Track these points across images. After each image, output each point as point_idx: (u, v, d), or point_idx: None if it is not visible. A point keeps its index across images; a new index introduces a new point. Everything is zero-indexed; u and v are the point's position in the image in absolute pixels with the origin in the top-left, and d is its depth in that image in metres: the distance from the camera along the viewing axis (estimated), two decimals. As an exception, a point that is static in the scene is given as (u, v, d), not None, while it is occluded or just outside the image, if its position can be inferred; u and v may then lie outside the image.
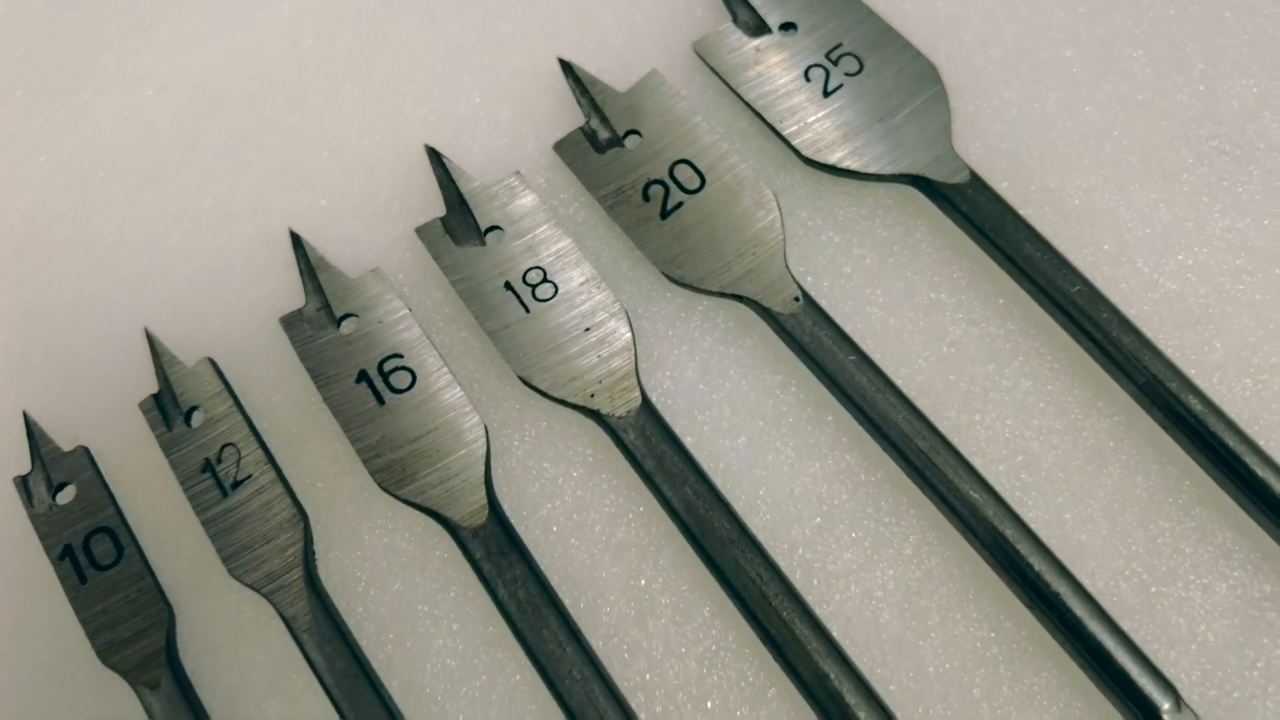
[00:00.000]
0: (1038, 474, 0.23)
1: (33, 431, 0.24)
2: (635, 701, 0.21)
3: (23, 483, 0.24)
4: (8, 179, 0.28)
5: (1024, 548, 0.22)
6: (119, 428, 0.25)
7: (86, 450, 0.24)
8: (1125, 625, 0.20)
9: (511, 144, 0.27)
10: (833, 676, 0.20)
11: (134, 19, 0.30)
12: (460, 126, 0.27)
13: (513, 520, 0.23)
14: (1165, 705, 0.20)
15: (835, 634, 0.21)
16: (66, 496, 0.24)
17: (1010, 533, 0.22)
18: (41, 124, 0.28)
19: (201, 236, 0.27)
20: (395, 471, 0.23)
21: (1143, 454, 0.23)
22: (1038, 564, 0.21)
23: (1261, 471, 0.22)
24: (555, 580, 0.22)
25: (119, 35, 0.30)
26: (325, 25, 0.29)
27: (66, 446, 0.24)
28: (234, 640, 0.23)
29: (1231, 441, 0.22)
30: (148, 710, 0.22)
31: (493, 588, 0.22)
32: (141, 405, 0.25)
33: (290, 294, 0.25)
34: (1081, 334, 0.24)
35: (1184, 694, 0.20)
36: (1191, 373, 0.23)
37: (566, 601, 0.22)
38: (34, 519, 0.23)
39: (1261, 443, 0.22)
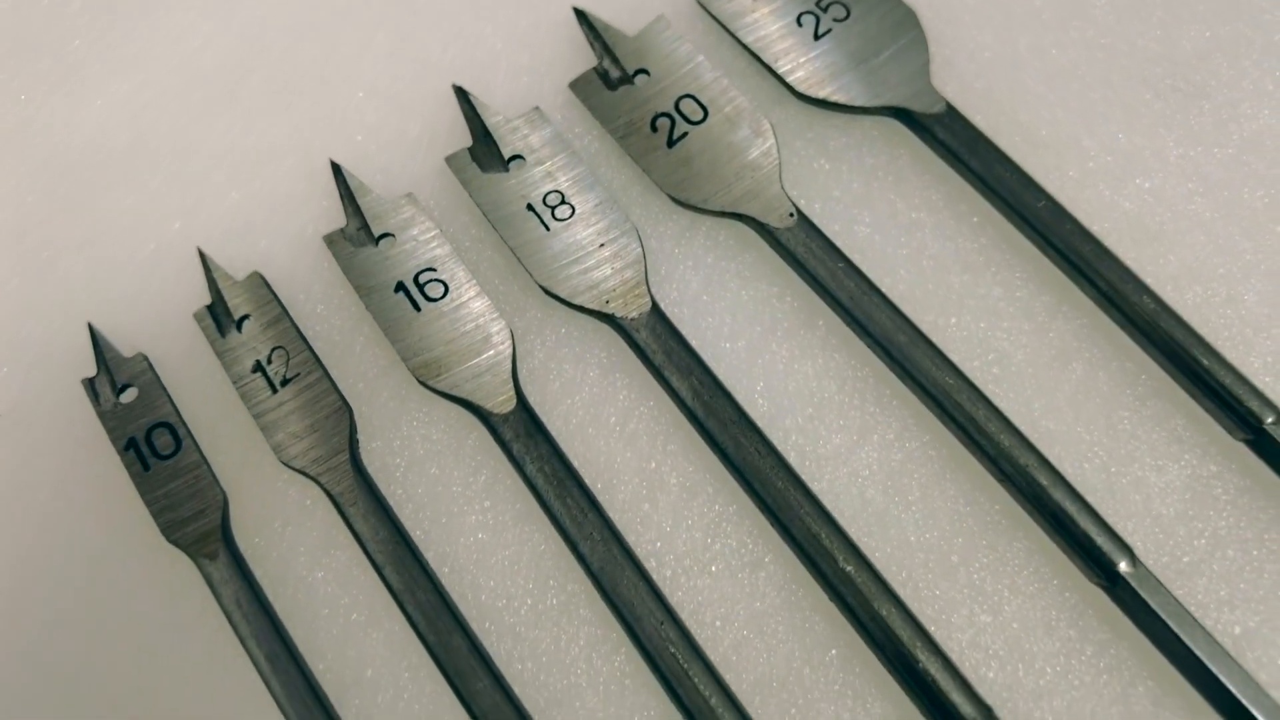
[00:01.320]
0: (1008, 370, 0.26)
1: (97, 340, 0.27)
2: (648, 566, 0.24)
3: (90, 384, 0.26)
4: (68, 118, 0.30)
5: (994, 427, 0.24)
6: (176, 337, 0.27)
7: (145, 357, 0.27)
8: (1086, 479, 0.23)
9: (531, 84, 0.29)
10: (824, 536, 0.23)
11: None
12: (483, 70, 0.30)
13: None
14: (1122, 564, 0.23)
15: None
16: (129, 397, 0.26)
17: (982, 414, 0.24)
18: (98, 70, 0.31)
19: (247, 169, 0.29)
20: (432, 368, 0.25)
21: (1103, 352, 0.26)
22: (1006, 441, 0.24)
23: (1209, 363, 0.24)
24: (575, 465, 0.25)
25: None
26: None
27: (128, 354, 0.27)
28: (282, 521, 0.25)
29: (1181, 338, 0.25)
30: (207, 579, 0.24)
31: (520, 465, 0.24)
32: (196, 315, 0.27)
33: (331, 219, 0.28)
34: (1047, 245, 0.26)
35: (1140, 559, 0.23)
36: (1148, 281, 0.26)
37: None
38: (101, 416, 0.26)
39: (1209, 340, 0.25)
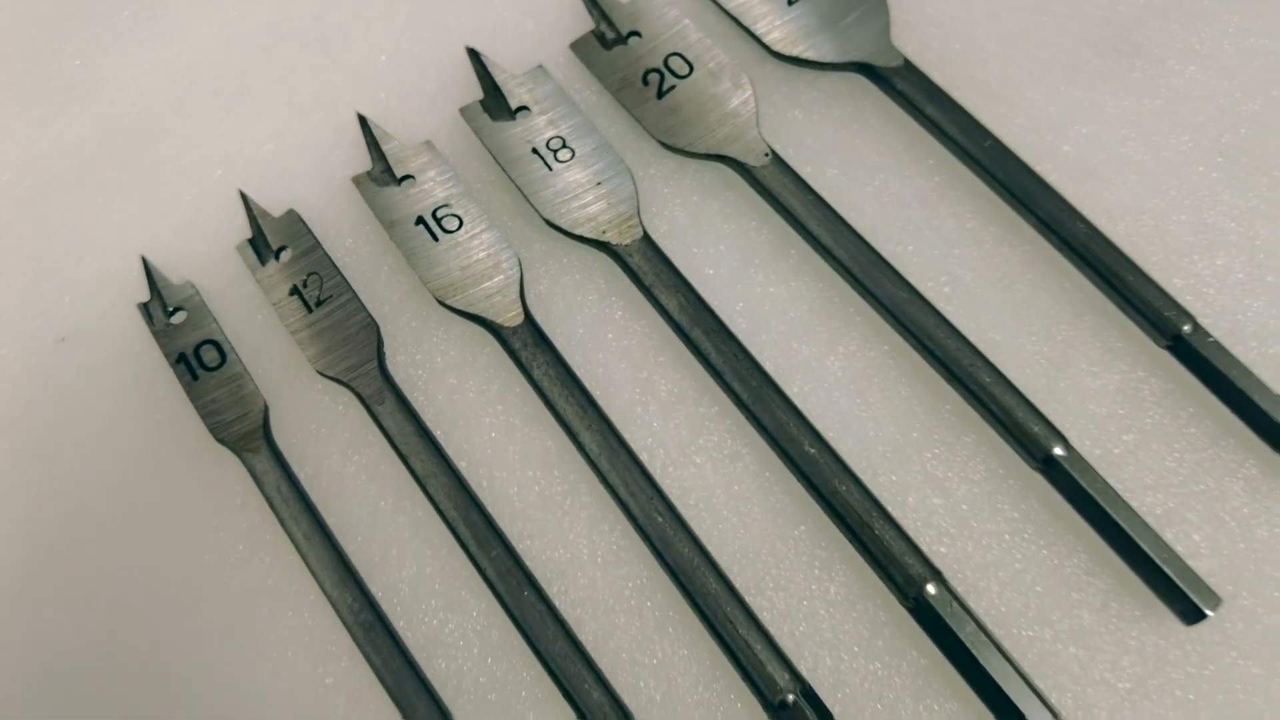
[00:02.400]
0: (959, 289, 0.29)
1: (150, 270, 0.30)
2: (640, 459, 0.27)
3: (144, 308, 0.30)
4: (119, 79, 0.34)
5: (944, 335, 0.27)
6: (220, 268, 0.31)
7: (193, 284, 0.30)
8: (1029, 383, 0.26)
9: (535, 46, 0.33)
10: (791, 425, 0.26)
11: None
12: (492, 34, 0.33)
13: (541, 332, 0.29)
14: (1056, 448, 0.26)
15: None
16: (179, 319, 0.30)
17: (933, 324, 0.27)
18: (144, 36, 0.34)
19: (281, 122, 0.33)
20: (450, 289, 0.29)
21: (1044, 274, 0.29)
22: (954, 346, 0.27)
23: (1134, 280, 0.28)
24: (576, 374, 0.28)
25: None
26: None
27: (177, 283, 0.30)
28: (317, 424, 0.29)
29: (1112, 260, 0.28)
30: (251, 471, 0.27)
31: (528, 370, 0.28)
32: (238, 247, 0.30)
33: (357, 164, 0.31)
34: (994, 182, 0.29)
35: (1066, 427, 0.26)
36: (1086, 214, 0.29)
37: (585, 388, 0.28)
38: (155, 334, 0.29)
39: (1138, 264, 0.28)
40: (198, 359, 0.28)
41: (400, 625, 0.26)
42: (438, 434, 0.28)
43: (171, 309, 0.29)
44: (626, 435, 0.27)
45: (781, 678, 0.24)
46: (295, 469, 0.28)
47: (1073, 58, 0.32)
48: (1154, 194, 0.30)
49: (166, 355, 0.29)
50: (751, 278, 0.29)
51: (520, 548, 0.26)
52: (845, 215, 0.29)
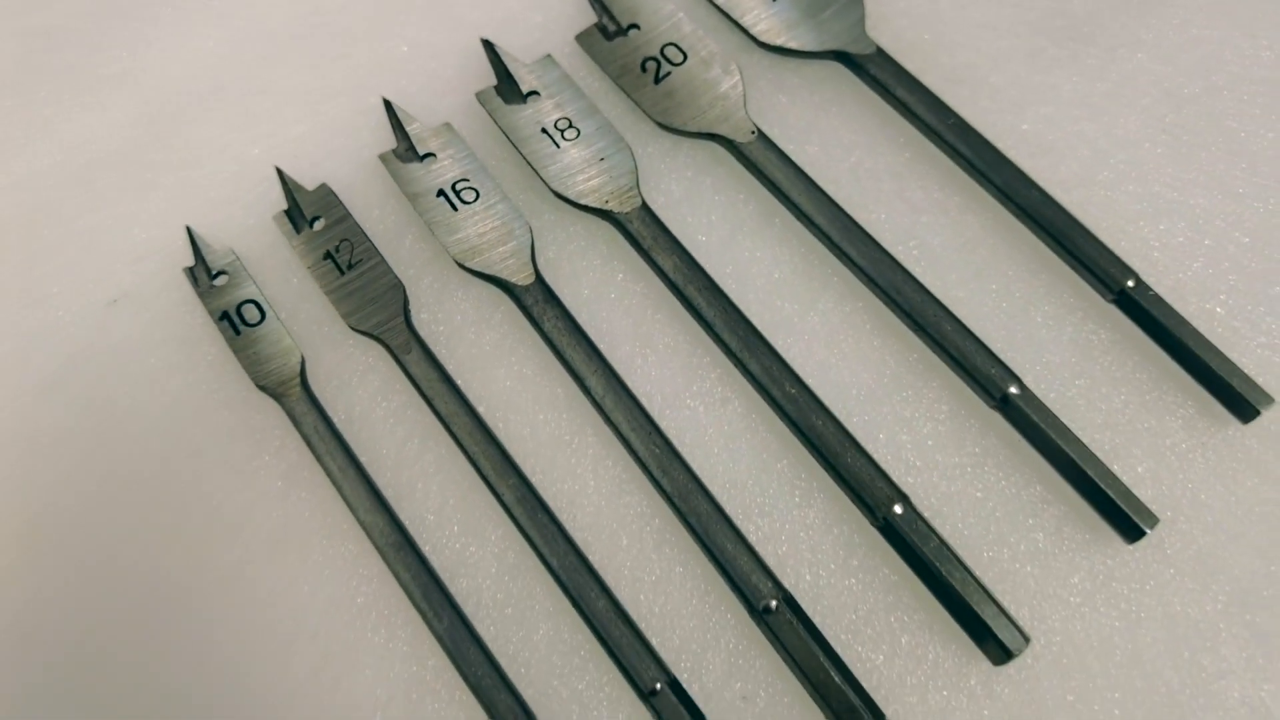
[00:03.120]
0: (926, 253, 0.32)
1: (194, 238, 0.33)
2: (640, 402, 0.30)
3: (190, 272, 0.33)
4: (162, 67, 0.37)
5: (911, 291, 0.30)
6: (259, 236, 0.34)
7: (233, 250, 0.33)
8: (990, 334, 0.29)
9: (543, 38, 0.36)
10: (774, 369, 0.29)
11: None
12: (504, 26, 0.36)
13: (550, 292, 0.32)
14: (1012, 388, 0.29)
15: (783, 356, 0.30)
16: (221, 281, 0.32)
17: (901, 281, 0.30)
18: (185, 30, 0.37)
19: (312, 105, 0.36)
20: (469, 253, 0.31)
21: (1003, 239, 0.32)
22: (919, 300, 0.30)
23: (1083, 242, 0.30)
24: (582, 328, 0.31)
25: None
26: None
27: (219, 249, 0.33)
28: (349, 373, 0.32)
29: (1063, 224, 0.31)
30: (289, 413, 0.30)
31: (539, 324, 0.30)
32: (275, 217, 0.33)
33: (382, 143, 0.34)
34: (958, 156, 0.32)
35: (1024, 374, 0.29)
36: (1043, 186, 0.32)
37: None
38: (200, 294, 0.32)
39: (1090, 229, 0.31)
40: (239, 316, 0.31)
41: (426, 550, 0.29)
42: (458, 382, 0.31)
43: (215, 273, 0.32)
44: (628, 382, 0.30)
45: (765, 586, 0.27)
46: (330, 412, 0.31)
47: (1031, 46, 0.35)
48: (1104, 167, 0.33)
49: (211, 313, 0.32)
50: (739, 243, 0.32)
51: (533, 481, 0.29)
52: (824, 187, 0.32)
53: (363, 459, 0.30)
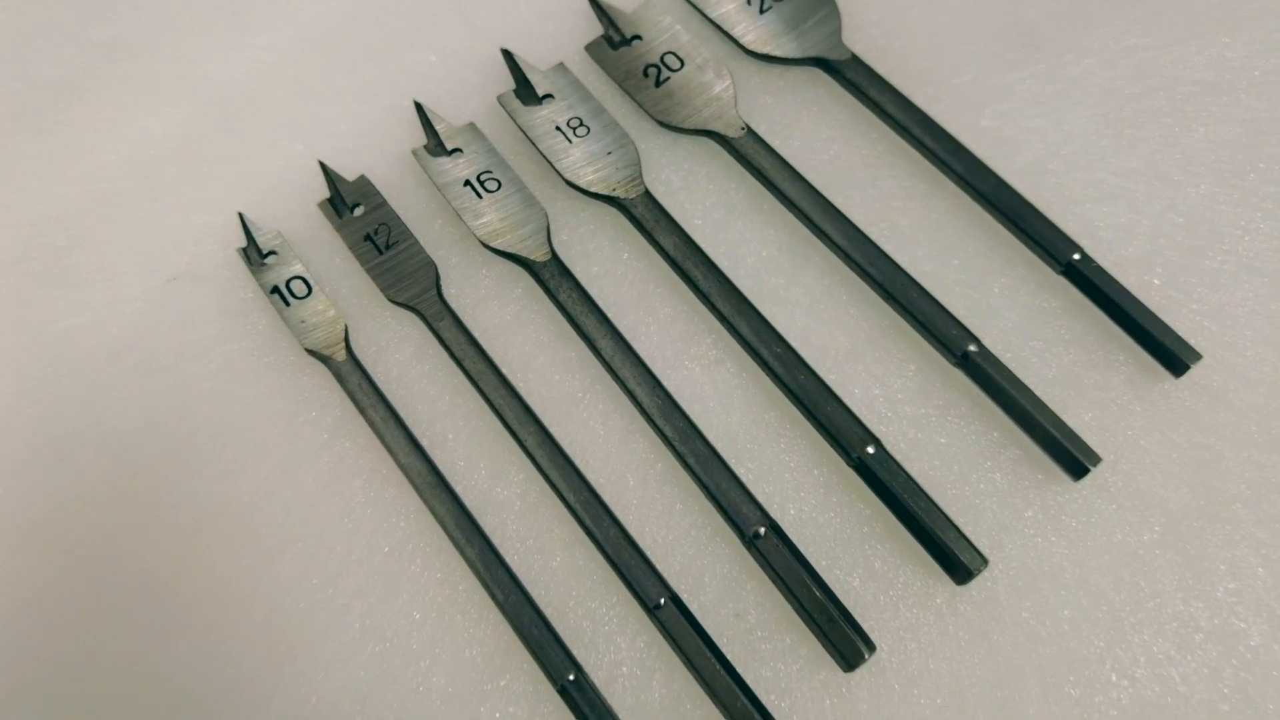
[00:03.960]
0: (895, 231, 0.36)
1: (246, 223, 0.37)
2: (645, 362, 0.33)
3: (243, 252, 0.37)
4: (215, 73, 0.41)
5: (882, 264, 0.34)
6: (304, 221, 0.38)
7: (281, 233, 0.37)
8: (952, 303, 0.33)
9: (556, 47, 0.40)
10: (763, 335, 0.33)
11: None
12: (522, 37, 0.40)
13: (564, 268, 0.36)
14: (971, 346, 0.32)
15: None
16: (271, 260, 0.36)
17: (873, 257, 0.34)
18: (235, 40, 0.42)
19: (350, 107, 0.40)
20: (493, 234, 0.35)
21: (963, 220, 0.36)
22: (890, 273, 0.34)
23: (1034, 220, 0.34)
24: (593, 299, 0.35)
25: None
26: None
27: (269, 234, 0.37)
28: (388, 340, 0.35)
29: (1017, 206, 0.34)
30: (335, 373, 0.34)
31: (555, 296, 0.34)
32: (319, 204, 0.37)
33: (414, 140, 0.38)
34: (923, 148, 0.36)
35: (983, 337, 0.32)
36: (1001, 174, 0.36)
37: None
38: (252, 271, 0.36)
39: (1041, 210, 0.35)
40: (288, 289, 0.35)
41: (458, 490, 0.32)
42: (484, 346, 0.34)
43: (265, 253, 0.36)
44: (633, 345, 0.34)
45: (754, 515, 0.30)
46: (371, 375, 0.34)
47: (989, 52, 0.39)
48: (1054, 158, 0.37)
49: (262, 287, 0.36)
50: (731, 225, 0.36)
51: (550, 430, 0.33)
52: (806, 176, 0.36)
53: (400, 413, 0.34)
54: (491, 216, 0.36)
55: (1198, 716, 0.29)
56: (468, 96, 0.39)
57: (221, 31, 0.42)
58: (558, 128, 0.38)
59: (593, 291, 0.35)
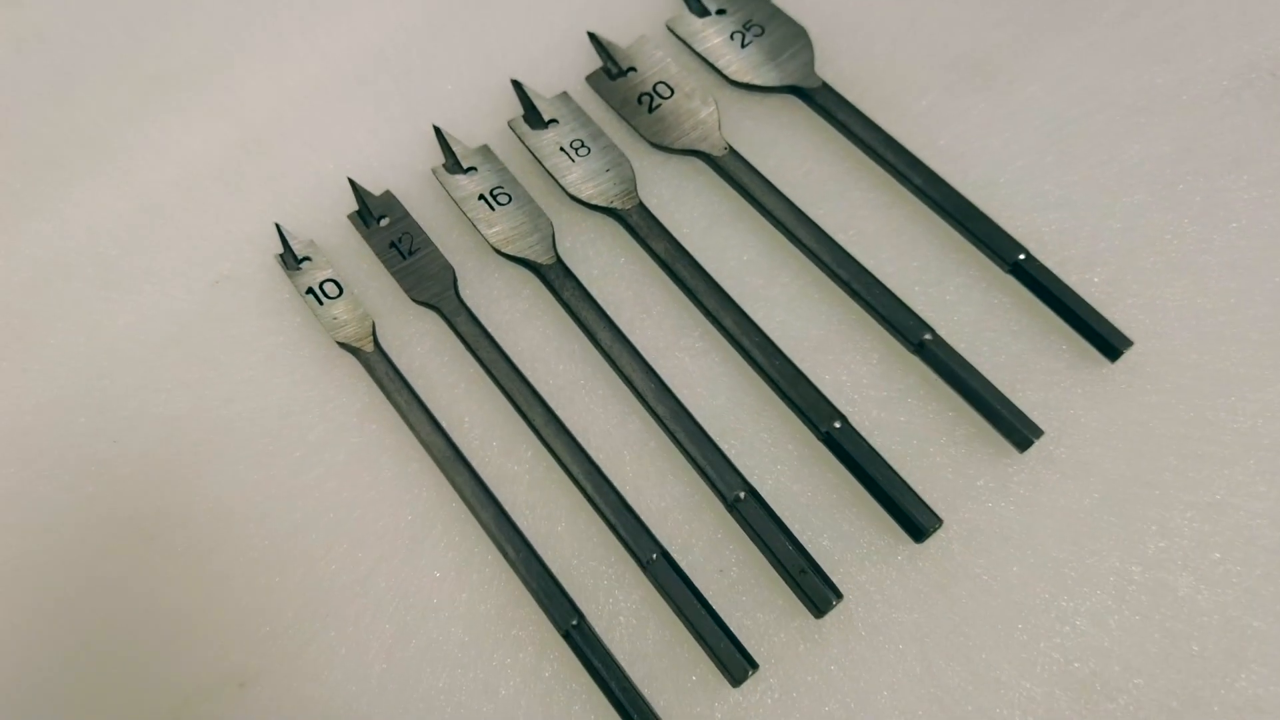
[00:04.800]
0: (862, 237, 0.39)
1: (283, 233, 0.41)
2: (640, 353, 0.37)
3: (280, 258, 0.41)
4: (253, 102, 0.46)
5: (849, 266, 0.38)
6: (334, 231, 0.42)
7: (314, 242, 0.41)
8: (912, 299, 0.37)
9: (560, 78, 0.44)
10: (744, 328, 0.37)
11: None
12: (529, 70, 0.44)
13: (567, 271, 0.40)
14: (926, 335, 0.36)
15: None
16: (305, 265, 0.41)
17: (842, 260, 0.38)
18: (271, 71, 0.46)
19: (377, 130, 0.44)
20: (504, 241, 0.40)
21: (922, 227, 0.39)
22: (856, 273, 0.38)
23: (985, 226, 0.38)
24: (594, 298, 0.39)
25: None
26: (449, 6, 0.48)
27: (303, 242, 0.41)
28: (409, 335, 0.40)
29: (968, 213, 0.38)
30: (365, 364, 0.38)
31: (559, 295, 0.38)
32: (349, 216, 0.42)
33: (433, 159, 0.42)
34: (886, 164, 0.40)
35: (940, 329, 0.36)
36: (955, 186, 0.40)
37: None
38: (289, 275, 0.40)
39: (991, 217, 0.39)
40: (322, 290, 0.39)
41: (473, 464, 0.36)
42: (497, 339, 0.38)
43: (300, 259, 0.41)
44: (630, 338, 0.38)
45: (735, 482, 0.34)
46: (396, 364, 0.38)
47: (946, 80, 0.43)
48: (1004, 173, 0.41)
49: (298, 289, 0.40)
50: (716, 232, 0.41)
51: (556, 412, 0.36)
52: (782, 190, 0.40)
53: (422, 398, 0.38)
54: (502, 226, 0.40)
55: (1130, 656, 0.33)
56: (481, 122, 0.44)
57: (259, 65, 0.47)
58: (561, 148, 0.42)
59: (593, 291, 0.39)
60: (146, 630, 0.36)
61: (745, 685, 0.33)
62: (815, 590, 0.33)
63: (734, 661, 0.32)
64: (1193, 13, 0.43)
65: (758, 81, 0.43)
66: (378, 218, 0.41)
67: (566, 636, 0.33)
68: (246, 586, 0.36)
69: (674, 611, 0.33)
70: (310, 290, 0.40)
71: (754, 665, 0.32)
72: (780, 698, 0.33)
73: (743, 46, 0.44)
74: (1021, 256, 0.38)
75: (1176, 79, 0.41)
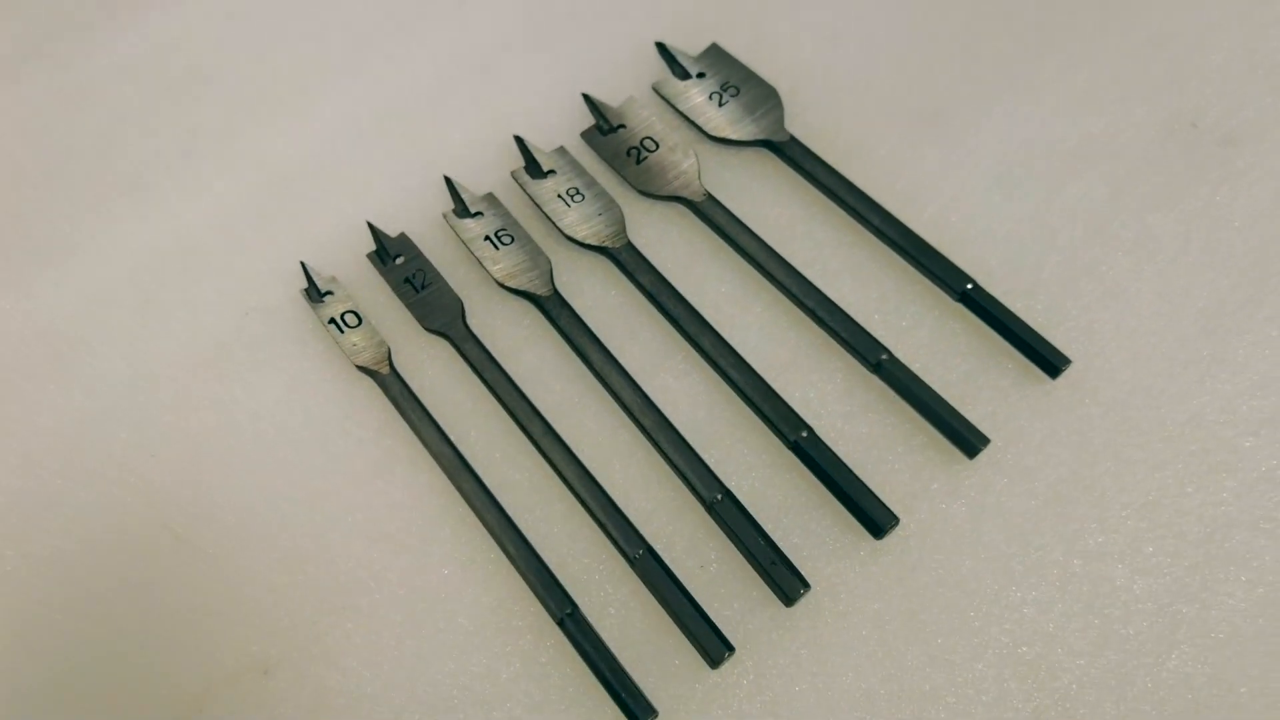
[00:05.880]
0: (826, 271, 0.44)
1: (307, 270, 0.46)
2: (634, 377, 0.41)
3: (304, 292, 0.45)
4: (279, 152, 0.51)
5: (815, 296, 0.42)
6: (355, 268, 0.46)
7: (336, 278, 0.46)
8: (872, 325, 0.41)
9: (557, 134, 0.49)
10: (722, 350, 0.41)
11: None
12: (529, 127, 0.50)
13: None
14: (884, 355, 0.41)
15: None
16: (328, 298, 0.45)
17: (808, 291, 0.43)
18: (297, 125, 0.52)
19: (392, 179, 0.49)
20: (508, 276, 0.44)
21: (879, 261, 0.43)
22: (821, 302, 0.42)
23: (938, 261, 0.42)
24: (589, 326, 0.43)
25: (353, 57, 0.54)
26: (459, 69, 0.53)
27: (326, 278, 0.46)
28: (422, 360, 0.44)
29: (921, 249, 0.43)
30: (381, 385, 0.42)
31: (557, 324, 0.43)
32: (368, 255, 0.46)
33: (443, 205, 0.47)
34: (848, 207, 0.45)
35: (897, 351, 0.40)
36: (908, 223, 0.44)
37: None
38: (313, 307, 0.45)
39: (941, 251, 0.43)
40: (343, 321, 0.44)
41: (479, 472, 0.40)
42: (500, 363, 0.43)
43: (323, 293, 0.45)
44: (620, 361, 0.42)
45: (714, 485, 0.38)
46: (409, 386, 0.43)
47: (903, 130, 0.48)
48: (954, 212, 0.45)
49: (320, 319, 0.44)
50: (697, 269, 0.45)
51: (553, 426, 0.40)
52: (756, 230, 0.45)
53: (433, 415, 0.42)
54: (506, 263, 0.45)
55: (1072, 640, 0.36)
56: (487, 172, 0.49)
57: (285, 118, 0.53)
58: (559, 195, 0.47)
59: (587, 320, 0.43)
60: (176, 622, 0.39)
61: (723, 667, 0.36)
62: (785, 581, 0.36)
63: (713, 645, 0.36)
64: (1123, 71, 0.48)
65: (733, 136, 0.48)
66: (394, 257, 0.46)
67: (561, 625, 0.37)
68: (269, 583, 0.39)
69: (658, 601, 0.37)
70: (332, 320, 0.44)
71: (731, 649, 0.36)
72: (755, 679, 0.36)
73: (720, 105, 0.49)
74: (969, 286, 0.42)
75: (1109, 129, 0.46)
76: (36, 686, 0.39)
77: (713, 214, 0.45)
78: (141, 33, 0.57)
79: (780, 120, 0.48)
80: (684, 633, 0.36)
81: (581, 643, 0.36)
